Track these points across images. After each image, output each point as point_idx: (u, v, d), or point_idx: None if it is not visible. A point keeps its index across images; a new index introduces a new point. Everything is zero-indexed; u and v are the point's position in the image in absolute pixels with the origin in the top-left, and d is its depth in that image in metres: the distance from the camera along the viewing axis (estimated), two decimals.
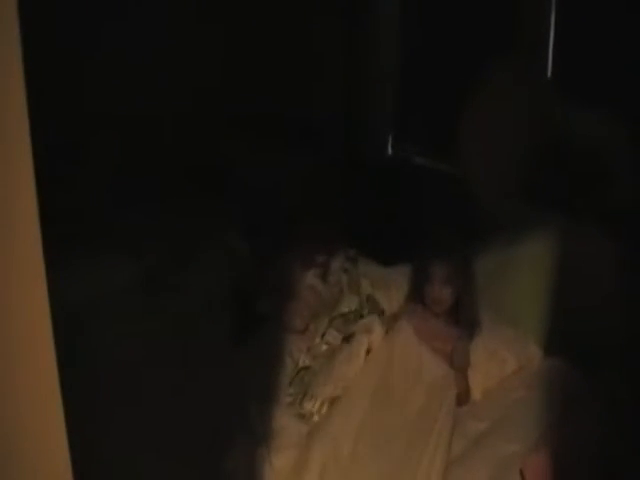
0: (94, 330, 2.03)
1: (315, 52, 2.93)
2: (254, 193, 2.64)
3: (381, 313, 2.05)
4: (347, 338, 1.95)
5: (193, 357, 2.01)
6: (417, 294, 2.01)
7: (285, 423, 1.75)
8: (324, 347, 1.96)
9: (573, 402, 1.73)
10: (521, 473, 1.56)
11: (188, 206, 2.55)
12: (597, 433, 1.61)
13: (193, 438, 1.73)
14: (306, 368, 1.91)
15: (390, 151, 2.94)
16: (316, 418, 1.77)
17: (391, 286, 2.19)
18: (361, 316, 2.03)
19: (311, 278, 2.20)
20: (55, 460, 0.68)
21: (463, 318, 1.96)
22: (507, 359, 1.94)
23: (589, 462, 1.53)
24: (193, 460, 1.68)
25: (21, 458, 0.67)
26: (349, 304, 2.08)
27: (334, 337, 1.97)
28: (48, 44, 1.95)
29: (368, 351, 1.89)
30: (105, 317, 2.10)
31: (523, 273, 2.10)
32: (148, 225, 2.46)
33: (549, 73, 2.40)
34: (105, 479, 1.54)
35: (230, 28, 2.78)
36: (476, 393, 1.89)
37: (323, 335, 1.99)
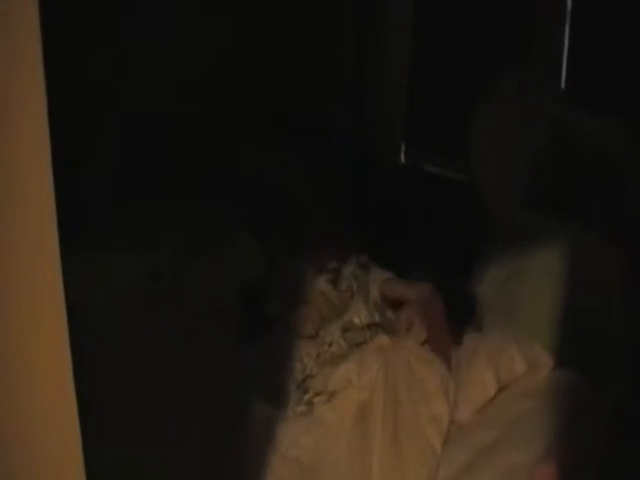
0: (100, 327, 2.03)
1: (326, 58, 2.93)
2: (266, 197, 2.64)
3: (390, 324, 2.05)
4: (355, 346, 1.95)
5: (200, 357, 2.01)
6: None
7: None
8: (329, 355, 1.96)
9: (583, 413, 1.72)
10: None
11: (199, 206, 2.55)
12: (606, 445, 1.60)
13: (197, 438, 1.74)
14: (312, 376, 1.91)
15: (402, 158, 2.94)
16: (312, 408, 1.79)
17: None
18: (369, 327, 2.02)
19: (322, 283, 2.20)
20: (67, 456, 0.68)
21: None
22: (516, 357, 1.92)
23: (597, 473, 1.52)
24: (197, 460, 1.68)
25: (33, 452, 0.67)
26: (359, 315, 2.07)
27: (340, 346, 1.96)
28: (56, 39, 1.96)
29: None
30: (111, 315, 2.10)
31: (534, 281, 2.09)
32: (158, 224, 2.46)
33: (563, 83, 2.40)
34: (108, 474, 1.54)
35: (239, 27, 2.78)
36: (490, 389, 1.89)
37: (330, 344, 1.98)
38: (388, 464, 1.67)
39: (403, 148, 2.94)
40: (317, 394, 1.81)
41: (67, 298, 0.67)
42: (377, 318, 2.06)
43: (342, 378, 1.82)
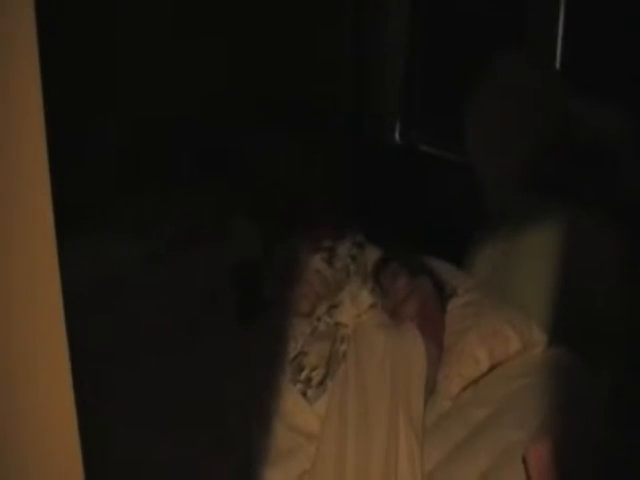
0: (97, 311, 2.03)
1: (322, 37, 2.92)
2: (262, 177, 2.64)
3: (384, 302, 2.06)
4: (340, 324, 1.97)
5: (198, 340, 2.01)
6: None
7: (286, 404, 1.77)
8: (317, 333, 1.96)
9: (577, 390, 1.74)
10: (524, 461, 1.56)
11: (195, 188, 2.55)
12: (600, 422, 1.61)
13: (196, 419, 1.74)
14: (305, 353, 1.91)
15: (398, 138, 2.94)
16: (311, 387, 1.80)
17: None
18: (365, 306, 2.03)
19: (317, 262, 2.20)
20: (65, 445, 0.68)
21: None
22: (511, 337, 1.93)
23: (592, 451, 1.54)
24: (197, 442, 1.68)
25: (30, 443, 0.67)
26: (353, 293, 2.07)
27: (327, 324, 1.97)
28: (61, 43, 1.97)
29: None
30: (109, 298, 2.10)
31: (528, 262, 2.10)
32: (155, 206, 2.46)
33: (558, 64, 2.39)
34: (108, 460, 1.55)
35: (236, 13, 2.77)
36: (483, 366, 1.90)
37: (319, 319, 1.98)
38: (361, 459, 1.67)
39: (398, 128, 2.93)
40: (313, 370, 1.82)
41: (64, 280, 0.67)
42: (372, 297, 2.06)
43: (319, 357, 1.84)
